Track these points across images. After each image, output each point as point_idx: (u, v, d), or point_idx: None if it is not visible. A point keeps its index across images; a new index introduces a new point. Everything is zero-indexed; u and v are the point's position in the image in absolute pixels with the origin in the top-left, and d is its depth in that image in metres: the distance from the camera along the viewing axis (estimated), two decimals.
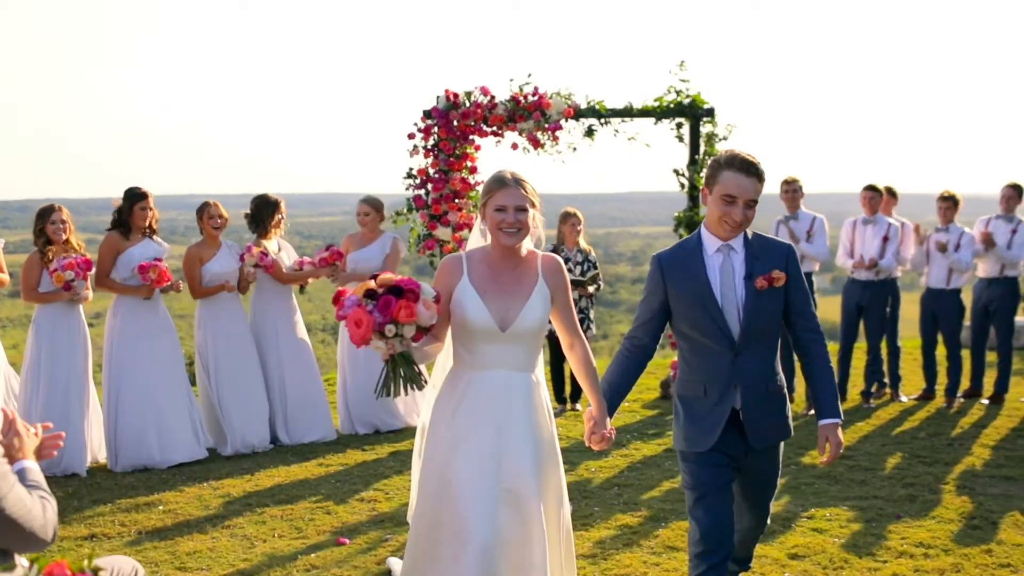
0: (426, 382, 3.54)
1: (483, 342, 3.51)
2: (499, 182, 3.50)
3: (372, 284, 3.34)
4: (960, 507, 5.52)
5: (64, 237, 6.41)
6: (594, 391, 3.63)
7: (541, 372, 3.67)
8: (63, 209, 6.45)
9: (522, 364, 3.57)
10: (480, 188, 7.93)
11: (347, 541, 5.08)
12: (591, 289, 7.89)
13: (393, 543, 5.04)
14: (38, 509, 2.59)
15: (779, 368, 3.70)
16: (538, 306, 3.53)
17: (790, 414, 3.75)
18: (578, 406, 8.13)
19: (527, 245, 3.59)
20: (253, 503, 5.77)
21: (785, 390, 3.73)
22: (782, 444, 3.80)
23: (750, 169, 3.46)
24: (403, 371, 3.36)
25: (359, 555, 4.92)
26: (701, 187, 3.60)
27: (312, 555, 4.91)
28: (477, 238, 3.74)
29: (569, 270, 7.66)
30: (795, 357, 5.60)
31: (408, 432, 7.21)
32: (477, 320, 3.47)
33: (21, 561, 2.57)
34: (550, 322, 3.68)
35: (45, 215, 6.39)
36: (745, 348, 3.55)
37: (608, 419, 3.59)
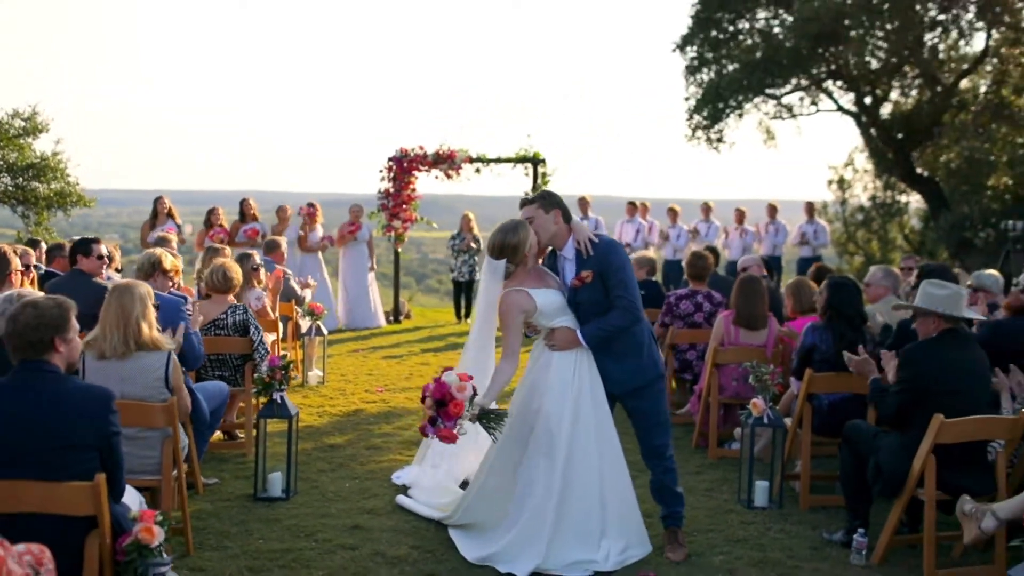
0: (504, 415, 4.72)
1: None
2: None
3: (429, 411, 4.50)
4: None
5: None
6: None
7: None
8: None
9: None
10: (418, 200, 14.47)
11: None
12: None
13: None
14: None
15: (631, 333, 4.84)
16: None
17: (654, 364, 4.95)
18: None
19: None
20: None
21: (645, 348, 4.90)
22: (665, 397, 5.17)
23: (522, 203, 5.21)
24: (487, 420, 4.61)
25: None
26: None
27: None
28: (500, 276, 4.97)
29: (467, 248, 14.27)
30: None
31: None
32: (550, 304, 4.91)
33: None
34: None
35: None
36: (584, 320, 4.86)
37: None
